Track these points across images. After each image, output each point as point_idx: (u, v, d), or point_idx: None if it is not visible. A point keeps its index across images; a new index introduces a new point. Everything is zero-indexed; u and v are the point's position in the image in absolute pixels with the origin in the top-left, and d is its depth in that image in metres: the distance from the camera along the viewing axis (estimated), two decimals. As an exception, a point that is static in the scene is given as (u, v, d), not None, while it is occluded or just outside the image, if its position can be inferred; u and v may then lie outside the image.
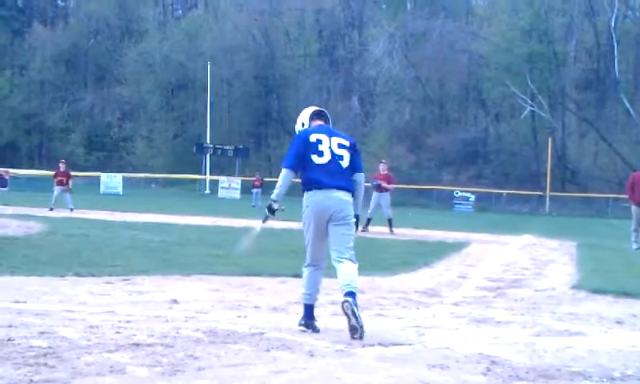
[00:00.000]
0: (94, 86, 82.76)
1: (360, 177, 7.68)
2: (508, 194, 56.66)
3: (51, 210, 28.69)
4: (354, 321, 7.06)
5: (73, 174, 34.18)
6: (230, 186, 59.81)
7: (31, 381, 5.13)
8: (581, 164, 61.57)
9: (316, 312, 8.40)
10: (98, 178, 60.30)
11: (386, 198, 24.17)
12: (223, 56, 71.08)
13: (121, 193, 57.03)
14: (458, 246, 19.48)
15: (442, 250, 17.78)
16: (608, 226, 34.80)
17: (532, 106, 61.81)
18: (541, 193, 56.22)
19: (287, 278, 11.31)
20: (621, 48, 64.19)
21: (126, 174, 63.40)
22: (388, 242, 20.35)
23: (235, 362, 5.92)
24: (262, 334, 7.09)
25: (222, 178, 60.76)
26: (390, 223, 23.76)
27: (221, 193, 58.60)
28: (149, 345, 6.33)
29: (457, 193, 55.83)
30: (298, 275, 11.33)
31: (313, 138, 7.53)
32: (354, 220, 7.77)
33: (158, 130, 75.74)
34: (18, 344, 6.13)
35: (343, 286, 7.34)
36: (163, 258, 13.14)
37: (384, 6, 78.58)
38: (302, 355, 6.25)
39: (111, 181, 60.17)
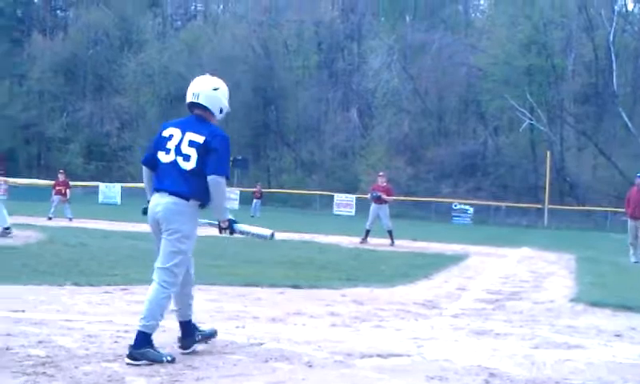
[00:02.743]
0: (93, 96, 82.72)
1: (211, 180, 6.35)
2: (507, 206, 56.69)
3: (50, 219, 28.71)
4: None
5: (71, 183, 34.18)
6: (229, 196, 59.73)
7: (29, 390, 5.12)
8: (579, 177, 61.53)
9: (314, 322, 8.40)
10: (97, 187, 60.31)
11: (385, 209, 24.17)
12: (222, 67, 70.89)
13: (119, 203, 57.02)
14: (456, 259, 19.47)
15: (440, 262, 17.78)
16: (607, 240, 34.80)
17: (531, 119, 61.81)
18: (539, 206, 56.19)
19: (286, 288, 11.32)
20: (619, 62, 64.26)
21: (124, 184, 63.38)
22: (386, 253, 20.34)
23: (233, 373, 5.92)
24: (261, 344, 7.08)
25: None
26: (391, 234, 23.77)
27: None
28: (147, 355, 6.31)
29: (455, 205, 55.81)
30: (298, 286, 11.42)
31: (166, 132, 6.62)
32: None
33: (157, 140, 75.67)
34: (17, 353, 6.13)
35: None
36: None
37: (383, 19, 78.60)
38: (300, 366, 6.25)
39: (110, 191, 60.18)
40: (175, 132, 6.52)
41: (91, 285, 10.61)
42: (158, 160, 6.53)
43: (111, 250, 16.25)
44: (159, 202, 6.43)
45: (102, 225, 27.12)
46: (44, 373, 5.55)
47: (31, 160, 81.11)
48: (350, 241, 24.28)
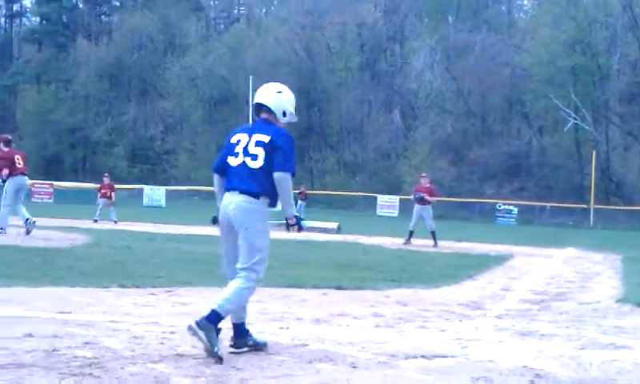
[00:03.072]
0: (137, 100, 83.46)
1: (278, 177, 6.58)
2: (551, 206, 56.22)
3: (95, 221, 28.99)
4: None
5: (116, 186, 34.45)
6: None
7: (76, 390, 5.17)
8: (626, 177, 60.88)
9: (358, 323, 8.41)
10: (142, 190, 60.81)
11: (429, 210, 24.10)
12: (265, 70, 71.12)
13: (164, 205, 57.43)
14: (500, 259, 19.37)
15: (484, 263, 17.70)
16: (653, 240, 34.42)
17: (575, 119, 61.26)
18: (585, 206, 55.65)
19: (330, 289, 11.32)
20: (665, 60, 63.61)
21: (168, 187, 63.84)
22: (431, 254, 20.28)
23: (278, 374, 5.92)
24: (305, 345, 7.09)
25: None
26: (434, 235, 23.71)
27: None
28: (192, 356, 6.35)
29: (499, 205, 55.47)
30: (341, 287, 11.44)
31: (234, 138, 6.88)
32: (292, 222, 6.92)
33: (201, 143, 76.03)
34: (63, 354, 6.18)
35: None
36: (206, 270, 13.18)
37: (426, 20, 78.34)
38: (344, 367, 6.24)
39: (154, 193, 60.65)
40: (242, 136, 6.80)
41: (137, 287, 10.68)
42: (228, 165, 6.77)
43: (156, 253, 16.35)
44: (231, 200, 6.65)
45: (146, 227, 27.31)
46: (90, 374, 5.60)
47: (77, 164, 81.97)
48: (393, 242, 24.25)
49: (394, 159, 68.05)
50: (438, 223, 25.07)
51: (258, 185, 6.60)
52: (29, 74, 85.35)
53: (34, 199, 54.14)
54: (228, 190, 6.72)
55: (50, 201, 54.84)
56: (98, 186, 33.87)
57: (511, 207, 55.25)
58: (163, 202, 58.65)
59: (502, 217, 54.44)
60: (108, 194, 31.73)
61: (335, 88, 73.90)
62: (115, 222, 29.49)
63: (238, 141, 6.78)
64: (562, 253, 23.64)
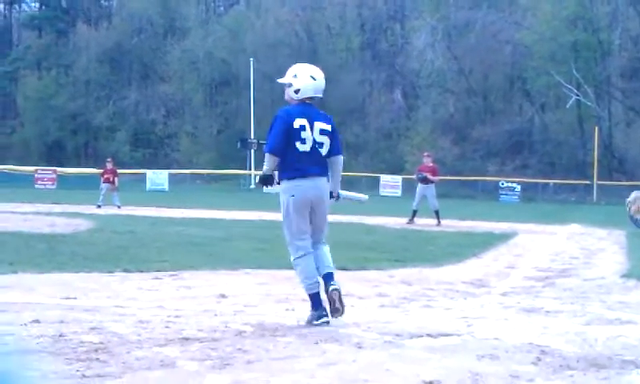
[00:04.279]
0: (139, 84, 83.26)
1: (338, 159, 7.66)
2: (555, 183, 56.18)
3: (99, 207, 28.97)
4: (337, 304, 7.22)
5: (119, 171, 34.43)
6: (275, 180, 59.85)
7: (83, 375, 5.18)
8: (628, 152, 60.77)
9: (363, 303, 8.42)
10: (144, 175, 60.76)
11: (432, 189, 24.12)
12: (265, 52, 71.07)
13: (167, 189, 57.39)
14: (504, 237, 19.39)
15: (488, 241, 17.72)
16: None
17: (577, 95, 61.15)
18: (588, 182, 55.64)
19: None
20: (667, 35, 63.45)
21: (171, 171, 63.78)
22: (434, 233, 20.30)
23: (284, 355, 5.94)
24: (310, 326, 7.11)
25: (266, 173, 60.52)
26: (437, 214, 23.73)
27: (265, 188, 58.57)
28: (198, 339, 6.38)
29: (502, 183, 55.42)
30: (345, 268, 11.43)
31: (296, 123, 7.39)
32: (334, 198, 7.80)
33: (202, 126, 75.96)
34: (70, 340, 6.20)
35: (326, 268, 7.47)
36: (210, 253, 13.21)
37: (426, -2, 78.17)
38: (350, 347, 6.25)
39: (157, 177, 60.61)
40: (305, 122, 7.37)
41: (141, 271, 10.70)
42: (296, 149, 7.33)
43: (159, 237, 16.37)
44: (315, 184, 7.40)
45: (150, 212, 27.33)
46: (97, 359, 5.61)
47: (79, 149, 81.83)
48: (396, 222, 24.26)
49: (396, 139, 67.92)
50: (441, 202, 25.08)
51: (327, 169, 7.52)
52: (29, 60, 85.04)
53: (37, 185, 54.27)
54: (305, 175, 7.35)
55: (53, 187, 54.87)
56: (101, 171, 33.84)
57: (514, 185, 55.21)
58: (166, 186, 58.60)
59: (505, 194, 54.40)
60: (111, 179, 31.69)
61: (336, 69, 73.58)
62: (119, 206, 29.50)
63: (302, 126, 7.34)
64: (565, 229, 23.66)
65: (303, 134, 7.30)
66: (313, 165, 7.34)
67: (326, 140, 7.42)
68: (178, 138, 76.67)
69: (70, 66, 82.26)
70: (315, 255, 7.45)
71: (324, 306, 7.26)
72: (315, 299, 7.33)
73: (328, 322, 7.15)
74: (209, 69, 77.49)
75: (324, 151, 7.42)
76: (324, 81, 7.64)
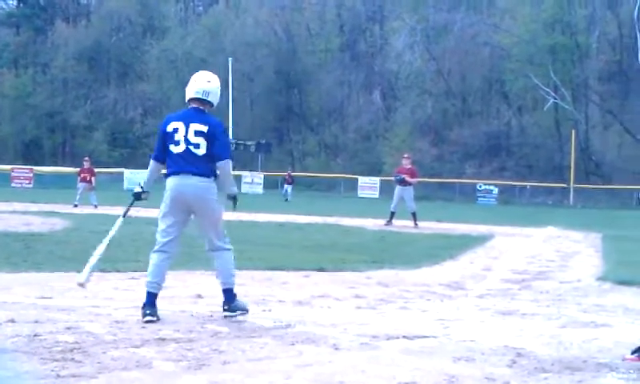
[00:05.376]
0: (117, 83, 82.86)
1: (221, 165, 7.60)
2: (532, 186, 56.45)
3: (75, 206, 28.83)
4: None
5: (96, 170, 34.27)
6: (253, 181, 59.87)
7: (58, 375, 5.16)
8: (605, 156, 61.18)
9: (340, 305, 8.43)
10: (122, 174, 60.55)
11: (410, 191, 24.14)
12: (244, 51, 71.03)
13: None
14: (481, 239, 19.44)
15: (465, 243, 17.75)
16: (633, 218, 34.58)
17: (555, 98, 61.46)
18: (564, 185, 55.93)
19: (311, 271, 11.34)
20: (644, 39, 63.81)
21: (149, 170, 63.58)
22: (411, 235, 20.34)
23: (260, 356, 5.94)
24: (287, 327, 7.11)
25: (244, 173, 60.57)
26: (414, 216, 23.75)
27: (244, 188, 58.49)
28: (174, 339, 6.37)
29: (480, 186, 55.65)
30: (323, 269, 11.44)
31: (170, 127, 7.62)
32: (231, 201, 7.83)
33: (181, 126, 75.83)
34: (45, 339, 6.17)
35: (222, 284, 7.68)
36: (186, 253, 13.13)
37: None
38: (327, 349, 6.26)
39: (135, 177, 60.33)
40: (179, 125, 7.58)
41: (117, 271, 10.67)
42: (170, 152, 7.59)
43: (136, 236, 16.28)
44: (185, 182, 7.51)
45: (127, 211, 27.16)
46: (72, 359, 5.59)
47: (56, 148, 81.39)
48: (374, 223, 24.27)
49: (375, 140, 68.03)
50: (419, 204, 25.13)
51: (205, 167, 7.51)
52: (6, 57, 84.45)
53: (13, 184, 53.95)
54: (177, 173, 7.55)
55: (30, 186, 54.61)
56: (78, 170, 33.68)
57: (492, 187, 55.44)
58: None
59: (483, 197, 54.65)
60: (88, 178, 31.56)
61: (315, 69, 73.81)
62: (95, 206, 29.37)
63: (175, 129, 7.56)
64: (542, 232, 23.75)
65: (176, 137, 7.53)
66: (187, 164, 7.48)
67: (201, 141, 7.47)
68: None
69: (48, 64, 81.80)
70: (216, 265, 7.72)
71: (156, 306, 7.39)
72: (148, 297, 7.44)
73: (151, 321, 7.14)
74: (187, 68, 77.12)
75: (200, 151, 7.47)
76: (207, 82, 7.87)
